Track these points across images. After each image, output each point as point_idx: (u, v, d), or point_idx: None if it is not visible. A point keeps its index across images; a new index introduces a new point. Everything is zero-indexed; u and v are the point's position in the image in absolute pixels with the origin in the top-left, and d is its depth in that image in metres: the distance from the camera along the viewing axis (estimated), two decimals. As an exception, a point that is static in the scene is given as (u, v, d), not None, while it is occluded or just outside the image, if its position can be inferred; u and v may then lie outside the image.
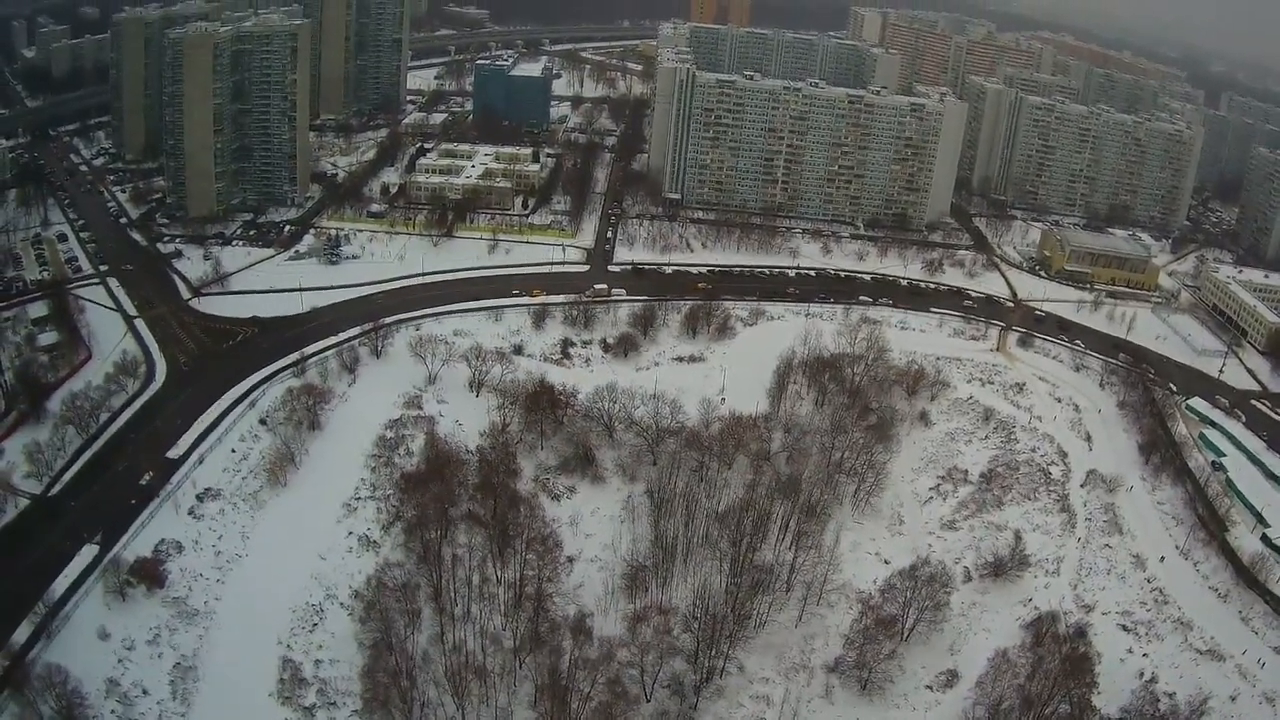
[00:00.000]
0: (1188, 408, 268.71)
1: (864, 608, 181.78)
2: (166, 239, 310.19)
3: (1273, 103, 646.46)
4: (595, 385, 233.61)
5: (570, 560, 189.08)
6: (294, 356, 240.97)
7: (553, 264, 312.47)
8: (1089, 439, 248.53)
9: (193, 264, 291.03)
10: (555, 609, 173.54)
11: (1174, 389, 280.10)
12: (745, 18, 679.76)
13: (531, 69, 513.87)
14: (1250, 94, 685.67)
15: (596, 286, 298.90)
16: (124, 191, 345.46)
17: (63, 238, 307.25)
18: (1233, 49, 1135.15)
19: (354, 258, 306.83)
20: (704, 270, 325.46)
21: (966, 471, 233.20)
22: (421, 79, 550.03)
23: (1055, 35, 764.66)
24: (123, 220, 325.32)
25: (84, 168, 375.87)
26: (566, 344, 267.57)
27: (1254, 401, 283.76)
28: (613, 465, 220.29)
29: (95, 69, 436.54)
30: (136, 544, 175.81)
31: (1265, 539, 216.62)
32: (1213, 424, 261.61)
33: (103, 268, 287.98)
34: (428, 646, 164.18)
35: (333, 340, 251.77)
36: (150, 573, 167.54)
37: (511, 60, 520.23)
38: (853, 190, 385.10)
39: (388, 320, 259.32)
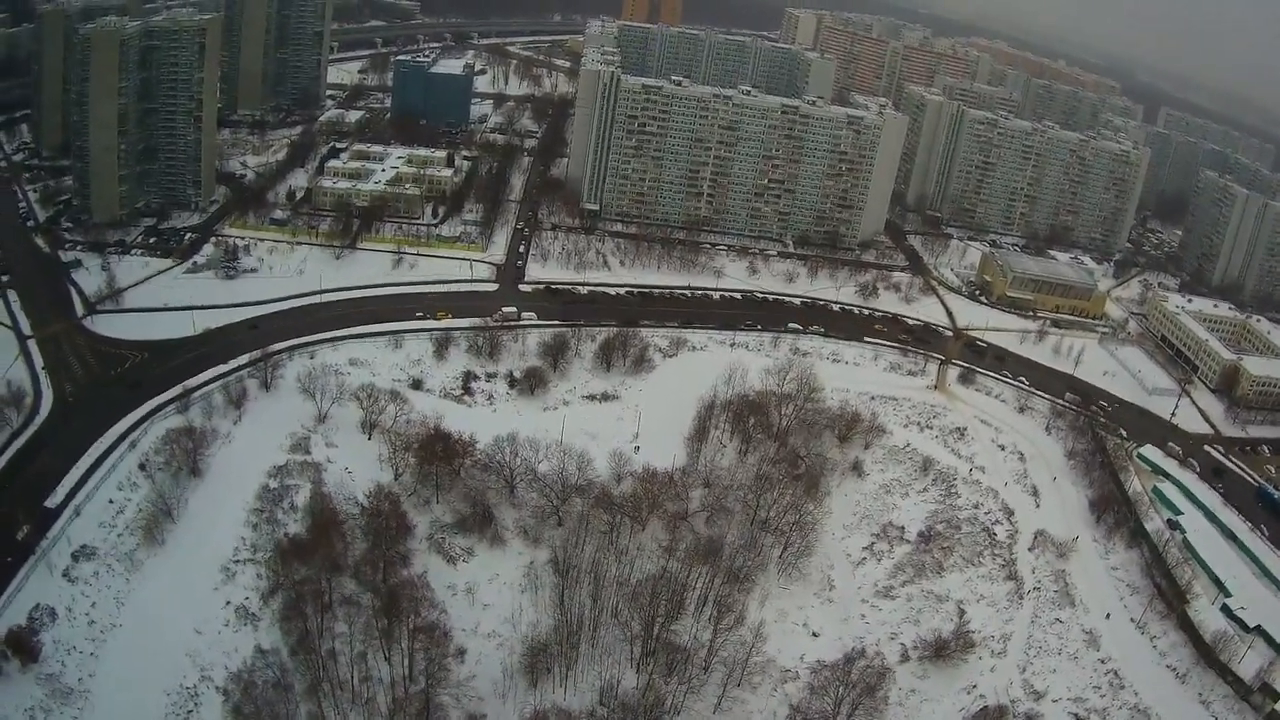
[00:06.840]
0: (1139, 456, 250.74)
1: (791, 710, 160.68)
2: (69, 245, 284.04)
3: (1210, 119, 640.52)
4: (497, 431, 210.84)
5: (461, 653, 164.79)
6: (178, 390, 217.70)
7: (459, 282, 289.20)
8: (1036, 494, 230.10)
9: (91, 275, 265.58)
10: (446, 707, 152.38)
11: (1125, 435, 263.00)
12: (677, 16, 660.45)
13: (453, 66, 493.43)
14: (1183, 108, 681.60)
15: (505, 310, 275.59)
16: (35, 191, 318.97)
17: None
18: (1157, 60, 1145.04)
19: (252, 271, 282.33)
20: (622, 291, 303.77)
21: (903, 529, 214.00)
22: (346, 72, 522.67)
23: (990, 42, 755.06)
24: (30, 224, 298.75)
25: (3, 162, 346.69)
26: (469, 377, 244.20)
27: (1207, 447, 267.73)
28: (514, 526, 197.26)
29: (27, 60, 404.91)
30: (11, 610, 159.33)
31: (1226, 609, 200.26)
32: (1166, 475, 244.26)
33: (4, 277, 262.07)
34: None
35: (221, 369, 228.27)
36: (24, 645, 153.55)
37: (433, 56, 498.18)
38: (782, 205, 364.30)
39: (279, 347, 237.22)
